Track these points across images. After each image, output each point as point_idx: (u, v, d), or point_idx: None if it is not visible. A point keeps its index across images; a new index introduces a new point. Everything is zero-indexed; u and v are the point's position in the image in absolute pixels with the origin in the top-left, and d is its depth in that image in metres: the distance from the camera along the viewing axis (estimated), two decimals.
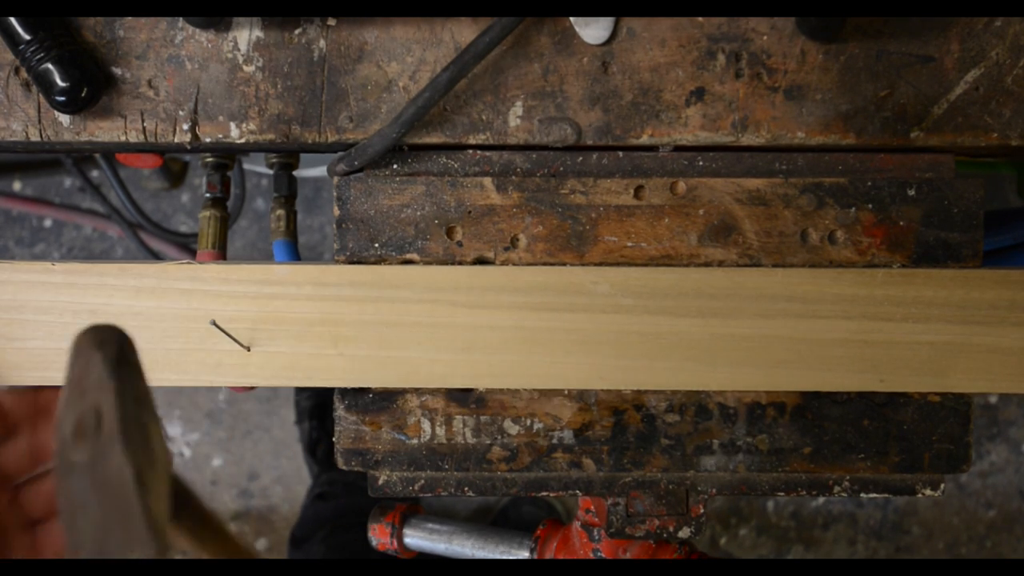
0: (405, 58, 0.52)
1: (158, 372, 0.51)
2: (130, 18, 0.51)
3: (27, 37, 0.48)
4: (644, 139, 0.53)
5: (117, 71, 0.52)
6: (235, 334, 0.51)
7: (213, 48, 0.52)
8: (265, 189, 1.48)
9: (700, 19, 0.52)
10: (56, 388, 0.41)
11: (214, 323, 0.50)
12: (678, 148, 0.53)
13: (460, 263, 0.53)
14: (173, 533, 0.35)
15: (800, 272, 0.52)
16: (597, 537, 0.63)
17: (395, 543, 0.74)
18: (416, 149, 0.53)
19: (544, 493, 0.55)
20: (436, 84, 0.49)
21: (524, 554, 0.71)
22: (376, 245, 0.52)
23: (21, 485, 0.45)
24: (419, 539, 0.74)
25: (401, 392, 0.54)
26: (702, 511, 0.55)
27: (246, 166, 0.94)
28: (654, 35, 0.52)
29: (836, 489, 0.55)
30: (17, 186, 1.45)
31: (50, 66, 0.48)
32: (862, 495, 0.56)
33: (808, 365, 0.52)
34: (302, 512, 1.39)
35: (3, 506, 0.44)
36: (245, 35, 0.52)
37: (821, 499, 1.56)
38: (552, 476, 0.55)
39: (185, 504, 0.36)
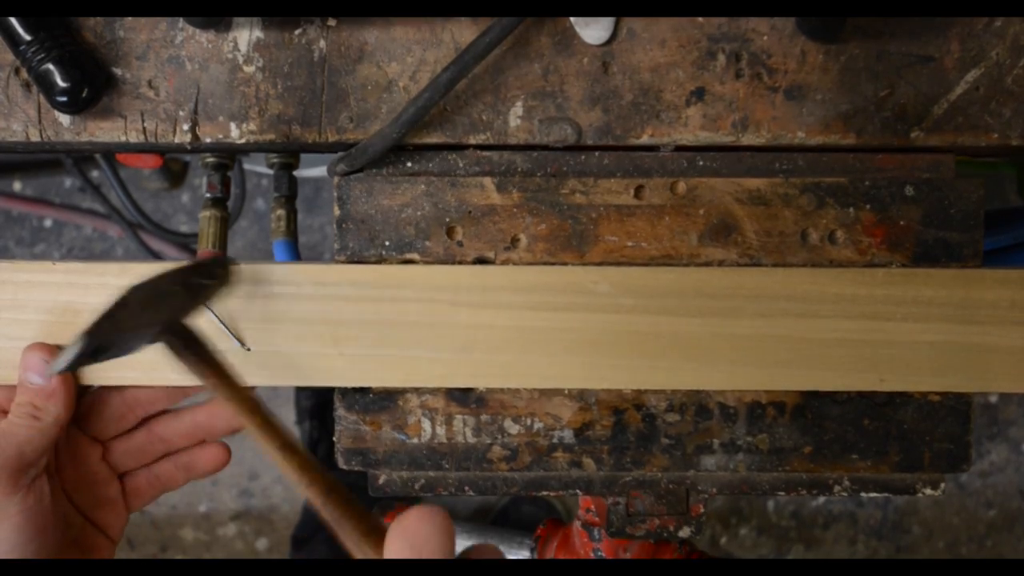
0: (405, 58, 0.52)
1: (160, 372, 0.52)
2: (130, 19, 0.51)
3: (28, 37, 0.48)
4: (644, 139, 0.53)
5: (117, 71, 0.52)
6: (235, 334, 0.51)
7: (213, 48, 0.52)
8: (265, 189, 1.48)
9: (700, 19, 0.52)
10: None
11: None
12: (678, 148, 0.53)
13: (460, 263, 0.53)
14: (186, 368, 0.45)
15: (800, 272, 0.52)
16: (597, 536, 0.63)
17: None
18: (416, 149, 0.53)
19: (544, 493, 0.55)
20: (436, 84, 0.49)
21: (525, 554, 0.71)
22: (376, 245, 0.53)
23: (110, 441, 0.54)
24: None
25: (401, 392, 0.54)
26: (702, 510, 0.55)
27: (246, 166, 0.94)
28: (654, 35, 0.52)
29: (836, 489, 0.56)
30: (17, 186, 1.45)
31: (51, 66, 0.48)
32: (862, 495, 0.56)
33: (808, 365, 0.52)
34: (303, 513, 1.39)
35: (96, 459, 0.54)
36: (245, 35, 0.52)
37: (821, 499, 1.56)
38: (552, 475, 0.55)
39: (199, 351, 0.45)
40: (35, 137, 0.52)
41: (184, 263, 0.49)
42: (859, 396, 0.54)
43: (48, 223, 1.48)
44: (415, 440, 0.54)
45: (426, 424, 0.54)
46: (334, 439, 0.55)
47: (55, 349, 0.50)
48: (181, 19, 0.51)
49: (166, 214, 1.48)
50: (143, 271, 0.51)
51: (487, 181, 0.52)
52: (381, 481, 0.55)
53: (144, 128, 0.52)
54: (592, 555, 0.64)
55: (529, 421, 0.54)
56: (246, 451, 1.50)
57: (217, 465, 0.56)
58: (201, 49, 0.52)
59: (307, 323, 0.51)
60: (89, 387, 0.53)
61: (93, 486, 0.54)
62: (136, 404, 0.54)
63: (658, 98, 0.53)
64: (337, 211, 0.52)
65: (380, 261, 0.53)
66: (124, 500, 0.55)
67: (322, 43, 0.52)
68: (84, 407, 0.53)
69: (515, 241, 0.53)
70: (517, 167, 0.53)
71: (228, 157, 0.69)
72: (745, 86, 0.52)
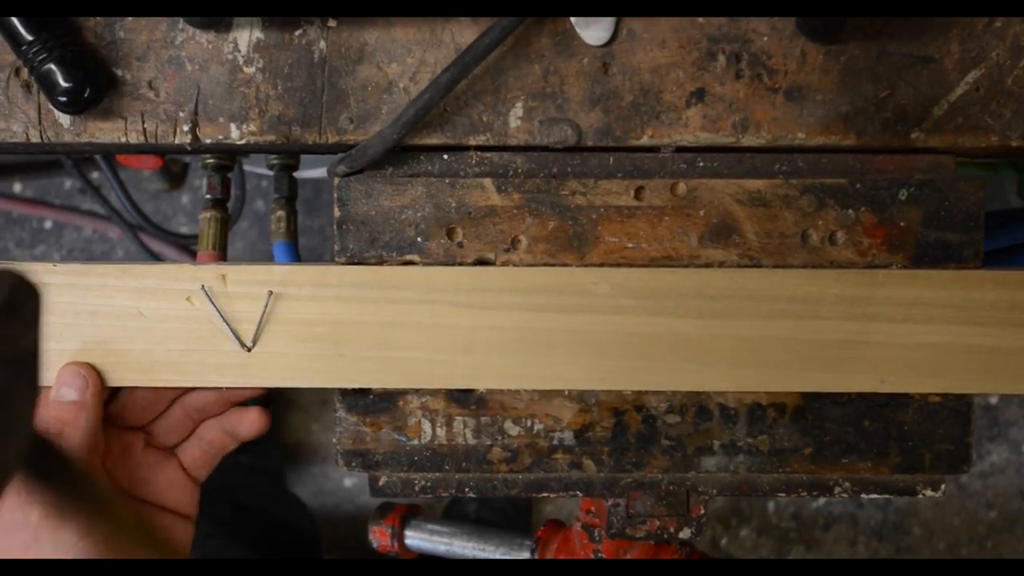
0: (405, 59, 0.52)
1: (159, 373, 0.52)
2: (130, 20, 0.51)
3: (30, 38, 0.48)
4: (644, 140, 0.53)
5: (117, 72, 0.52)
6: (236, 334, 0.51)
7: (213, 49, 0.52)
8: (265, 190, 1.48)
9: (700, 20, 0.52)
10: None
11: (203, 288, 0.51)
12: (679, 149, 0.53)
13: (461, 264, 0.53)
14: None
15: (800, 273, 0.52)
16: (598, 538, 0.63)
17: (396, 545, 0.74)
18: (416, 150, 0.53)
19: (545, 494, 0.55)
20: (436, 85, 0.49)
21: (525, 555, 0.71)
22: (376, 246, 0.53)
23: (149, 426, 0.55)
24: (420, 540, 0.74)
25: (402, 393, 0.54)
26: (703, 512, 0.55)
27: (246, 167, 0.94)
28: (654, 36, 0.52)
29: (837, 490, 0.55)
30: (17, 188, 1.45)
31: (53, 66, 0.48)
32: (863, 496, 0.56)
33: (808, 366, 0.52)
34: None
35: (141, 447, 0.55)
36: (245, 36, 0.52)
37: (822, 500, 1.56)
38: (553, 477, 0.55)
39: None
40: (35, 138, 0.52)
41: None
42: (859, 397, 0.54)
43: (48, 224, 1.48)
44: (415, 441, 0.54)
45: (426, 425, 0.54)
46: (334, 440, 0.55)
47: (89, 365, 0.51)
48: (181, 20, 0.51)
49: (166, 215, 1.48)
50: (144, 272, 0.51)
51: (487, 182, 0.52)
52: (381, 483, 0.55)
53: (144, 129, 0.52)
54: (592, 556, 0.63)
55: (529, 422, 0.54)
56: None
57: (258, 428, 0.56)
58: (201, 50, 0.52)
59: (307, 324, 0.51)
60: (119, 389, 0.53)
61: (149, 473, 0.55)
62: (163, 389, 0.54)
63: (658, 99, 0.52)
64: (337, 212, 0.52)
65: (380, 262, 0.53)
66: (187, 474, 0.56)
67: (322, 44, 0.52)
68: (116, 405, 0.54)
69: (515, 242, 0.53)
70: (517, 168, 0.53)
71: (228, 158, 0.69)
72: (745, 87, 0.52)
